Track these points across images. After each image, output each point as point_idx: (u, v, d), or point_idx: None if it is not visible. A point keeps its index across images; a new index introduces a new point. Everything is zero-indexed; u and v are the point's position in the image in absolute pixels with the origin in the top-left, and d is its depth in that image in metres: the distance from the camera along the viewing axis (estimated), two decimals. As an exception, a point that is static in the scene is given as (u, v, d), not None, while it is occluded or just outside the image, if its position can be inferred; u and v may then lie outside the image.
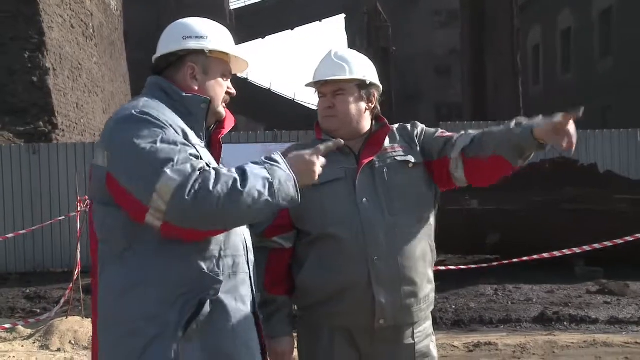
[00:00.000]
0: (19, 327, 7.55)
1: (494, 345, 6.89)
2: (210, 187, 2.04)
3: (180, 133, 2.21)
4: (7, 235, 10.03)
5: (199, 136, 2.34)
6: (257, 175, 2.11)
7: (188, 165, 2.08)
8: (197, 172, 2.07)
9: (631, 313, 8.22)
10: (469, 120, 17.08)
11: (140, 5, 35.92)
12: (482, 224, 10.08)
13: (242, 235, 2.34)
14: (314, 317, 2.70)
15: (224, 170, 2.11)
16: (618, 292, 9.13)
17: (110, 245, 2.22)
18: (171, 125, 2.20)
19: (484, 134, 2.66)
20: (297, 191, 2.18)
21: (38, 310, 8.81)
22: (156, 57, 2.46)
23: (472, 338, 7.20)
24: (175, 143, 2.14)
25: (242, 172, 2.11)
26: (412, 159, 2.71)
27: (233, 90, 2.51)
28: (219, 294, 2.20)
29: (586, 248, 7.76)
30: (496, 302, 8.84)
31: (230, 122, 2.52)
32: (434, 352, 2.79)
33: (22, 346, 7.15)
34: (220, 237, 2.22)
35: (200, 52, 2.39)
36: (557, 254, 7.91)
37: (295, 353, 2.79)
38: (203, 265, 2.19)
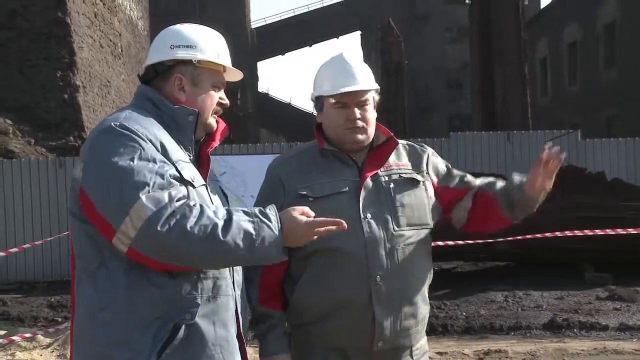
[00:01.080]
0: (39, 336, 7.35)
1: (504, 352, 6.61)
2: (188, 227, 1.84)
3: (160, 149, 1.99)
4: (36, 242, 9.96)
5: (187, 149, 2.12)
6: (241, 228, 1.89)
7: (165, 194, 1.87)
8: (175, 204, 1.86)
9: (641, 319, 7.90)
10: (479, 130, 16.89)
11: (166, 25, 35.94)
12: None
13: None
14: (308, 335, 2.42)
15: (208, 212, 1.89)
16: (627, 298, 8.86)
17: (84, 262, 2.01)
18: (151, 141, 1.98)
19: (491, 181, 2.58)
20: (280, 252, 1.96)
21: (60, 319, 8.63)
22: (145, 65, 2.23)
23: (482, 345, 6.91)
24: (154, 161, 1.92)
25: (228, 220, 1.89)
26: (419, 177, 2.47)
27: (226, 101, 2.26)
28: (196, 318, 1.97)
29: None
30: (506, 309, 8.57)
31: (222, 134, 2.28)
32: None
33: (41, 355, 6.97)
34: None
35: (189, 62, 2.15)
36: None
37: None
38: (179, 287, 1.96)
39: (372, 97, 2.46)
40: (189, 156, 2.12)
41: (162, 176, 1.90)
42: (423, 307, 2.45)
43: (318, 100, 2.48)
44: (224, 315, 2.06)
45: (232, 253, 1.89)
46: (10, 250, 10.14)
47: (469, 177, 2.57)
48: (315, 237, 2.01)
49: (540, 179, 2.34)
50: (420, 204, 2.44)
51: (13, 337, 7.03)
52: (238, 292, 2.15)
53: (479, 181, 2.56)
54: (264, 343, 2.37)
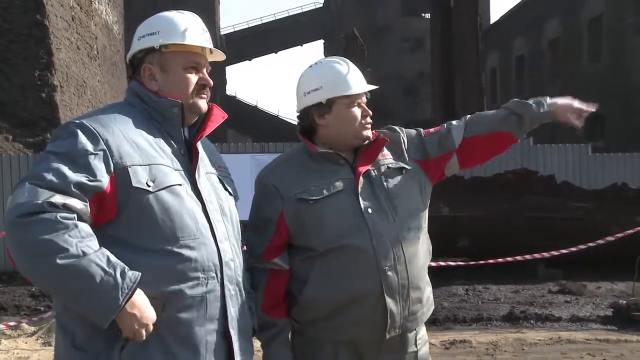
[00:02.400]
0: (23, 324, 7.16)
1: (469, 342, 6.64)
2: (38, 235, 1.69)
3: (116, 150, 1.85)
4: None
5: (176, 141, 2.00)
6: (90, 265, 1.71)
7: (45, 194, 1.72)
8: (48, 207, 1.71)
9: (589, 311, 8.03)
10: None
11: (140, 30, 35.56)
12: (452, 229, 9.86)
13: (212, 254, 1.96)
14: (318, 331, 2.32)
15: (71, 235, 1.71)
16: (576, 291, 9.01)
17: None
18: (107, 141, 1.85)
19: (474, 117, 2.54)
20: (105, 318, 1.74)
21: (42, 309, 8.40)
22: (126, 62, 2.13)
23: (447, 336, 6.93)
24: (75, 165, 1.78)
25: (83, 252, 1.71)
26: (405, 165, 2.42)
27: (207, 81, 2.08)
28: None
29: (554, 253, 7.53)
30: (467, 302, 8.61)
31: (214, 122, 2.12)
32: (430, 358, 2.52)
33: (26, 343, 6.82)
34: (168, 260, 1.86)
35: (154, 50, 2.02)
36: (520, 257, 7.77)
37: None
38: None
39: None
40: (180, 150, 2.00)
41: (64, 181, 1.76)
42: (427, 289, 2.41)
43: (326, 104, 2.34)
44: (197, 314, 1.91)
45: (57, 284, 1.75)
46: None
47: (445, 134, 2.50)
48: (134, 333, 1.80)
49: (573, 116, 2.46)
50: (411, 190, 2.40)
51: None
52: (231, 287, 2.01)
53: (456, 130, 2.49)
54: (266, 351, 2.29)
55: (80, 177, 1.77)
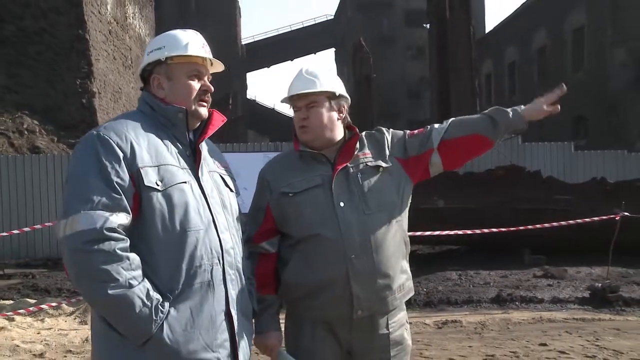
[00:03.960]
0: (63, 305, 7.25)
1: (459, 322, 6.65)
2: (97, 265, 1.79)
3: (130, 153, 1.91)
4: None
5: (182, 143, 2.05)
6: (133, 296, 1.81)
7: (102, 218, 1.81)
8: (109, 240, 1.80)
9: (569, 293, 8.00)
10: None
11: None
12: (447, 219, 9.85)
13: (215, 242, 2.00)
14: (298, 310, 2.39)
15: (122, 266, 1.80)
16: (558, 276, 8.97)
17: None
18: (121, 147, 1.90)
19: (455, 121, 2.51)
20: (136, 340, 1.85)
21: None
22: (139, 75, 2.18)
23: (440, 316, 6.92)
24: (106, 178, 1.86)
25: (130, 284, 1.81)
26: (382, 164, 2.40)
27: (208, 87, 2.13)
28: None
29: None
30: (460, 286, 8.58)
31: (214, 126, 2.15)
32: (408, 339, 2.47)
33: (65, 321, 6.90)
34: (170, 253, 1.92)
35: (160, 62, 2.08)
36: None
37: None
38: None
39: (324, 100, 2.37)
40: (186, 151, 2.05)
41: (110, 199, 1.84)
42: (399, 277, 2.37)
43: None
44: (200, 299, 1.95)
45: (104, 307, 1.86)
46: (35, 226, 10.04)
47: (426, 135, 2.48)
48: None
49: (549, 107, 2.48)
50: (387, 187, 2.38)
51: (42, 306, 6.97)
52: (231, 272, 2.04)
53: (436, 131, 2.47)
54: (258, 322, 2.32)
55: (118, 189, 1.86)
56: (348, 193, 2.32)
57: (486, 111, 2.52)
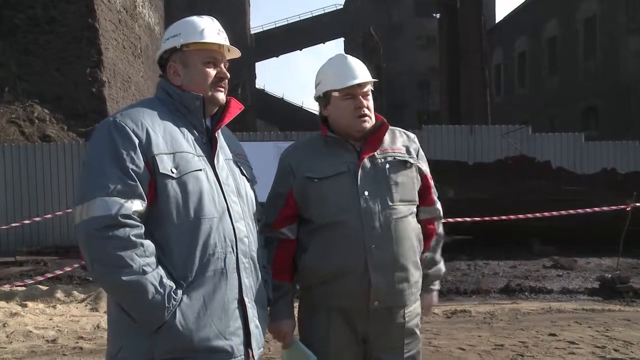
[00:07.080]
0: (75, 292, 7.32)
1: (468, 312, 6.65)
2: (111, 250, 1.80)
3: (146, 140, 1.91)
4: (68, 211, 9.93)
5: (199, 131, 2.04)
6: (146, 283, 1.81)
7: (117, 204, 1.82)
8: (124, 226, 1.81)
9: (578, 284, 8.01)
10: (446, 124, 16.89)
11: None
12: (458, 209, 9.84)
13: (229, 231, 1.99)
14: (313, 297, 2.38)
15: (136, 253, 1.81)
16: (568, 266, 8.97)
17: None
18: (138, 135, 1.90)
19: (431, 212, 2.56)
20: (147, 327, 1.85)
21: (91, 279, 8.57)
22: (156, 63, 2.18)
23: (450, 306, 6.94)
24: (122, 164, 1.86)
25: (143, 270, 1.82)
26: (411, 160, 2.42)
27: (224, 74, 2.12)
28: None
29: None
30: (469, 276, 8.59)
31: (232, 113, 2.15)
32: (419, 330, 2.47)
33: (77, 308, 6.96)
34: (185, 238, 1.91)
35: (176, 49, 2.08)
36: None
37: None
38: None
39: (371, 89, 2.40)
40: (202, 138, 2.04)
41: (125, 185, 1.84)
42: (415, 273, 2.38)
43: (324, 96, 2.40)
44: (213, 286, 1.95)
45: (117, 293, 1.87)
46: (46, 216, 10.10)
47: (424, 189, 2.52)
48: None
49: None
50: (410, 183, 2.40)
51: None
52: (245, 260, 2.03)
53: (435, 209, 2.55)
54: (273, 309, 2.31)
55: (133, 176, 1.86)
56: (374, 183, 2.32)
57: (433, 255, 2.57)
